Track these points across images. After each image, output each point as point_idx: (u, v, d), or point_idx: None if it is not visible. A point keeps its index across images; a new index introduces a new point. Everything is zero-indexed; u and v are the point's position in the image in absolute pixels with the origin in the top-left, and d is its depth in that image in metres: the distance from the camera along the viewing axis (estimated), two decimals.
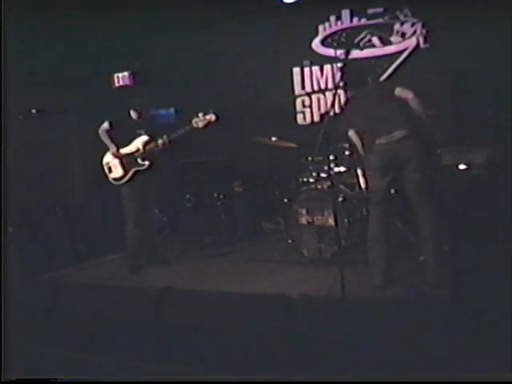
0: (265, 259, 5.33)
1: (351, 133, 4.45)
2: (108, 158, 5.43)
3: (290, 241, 5.21)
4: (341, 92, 5.80)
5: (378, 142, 4.20)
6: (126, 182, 5.36)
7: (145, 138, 5.34)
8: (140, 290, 4.19)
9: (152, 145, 5.30)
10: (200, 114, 5.14)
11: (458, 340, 2.76)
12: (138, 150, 5.35)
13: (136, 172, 5.33)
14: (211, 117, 5.12)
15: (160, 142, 5.25)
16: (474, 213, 4.44)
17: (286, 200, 5.32)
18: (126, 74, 7.16)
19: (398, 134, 4.12)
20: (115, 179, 5.40)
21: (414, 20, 5.96)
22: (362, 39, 6.23)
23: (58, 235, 5.93)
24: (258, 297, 3.71)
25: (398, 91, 4.19)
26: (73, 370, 3.32)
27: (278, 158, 5.87)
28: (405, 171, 4.13)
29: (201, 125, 5.13)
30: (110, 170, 5.43)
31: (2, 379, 3.06)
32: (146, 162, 5.32)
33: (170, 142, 5.24)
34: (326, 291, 3.88)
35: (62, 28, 6.40)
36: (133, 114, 5.42)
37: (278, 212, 5.76)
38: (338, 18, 6.33)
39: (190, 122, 5.17)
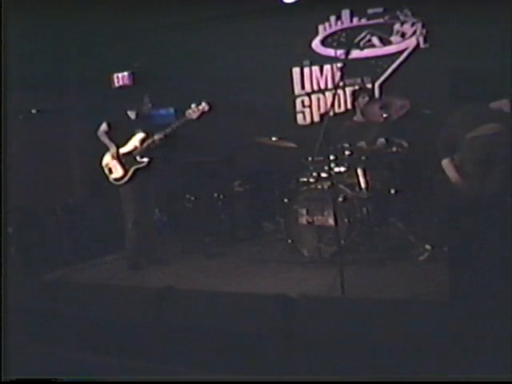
0: (265, 259, 5.33)
1: None
2: (107, 159, 5.43)
3: (289, 241, 5.21)
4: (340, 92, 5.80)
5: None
6: (127, 182, 5.36)
7: (141, 135, 5.35)
8: (140, 289, 4.19)
9: (149, 141, 5.30)
10: (193, 105, 5.15)
11: (458, 340, 2.76)
12: (136, 148, 5.34)
13: (136, 171, 5.33)
14: (204, 106, 5.13)
15: (156, 137, 5.25)
16: None
17: (286, 200, 5.32)
18: (125, 74, 7.15)
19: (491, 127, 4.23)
20: (116, 179, 5.40)
21: (414, 20, 5.95)
22: (361, 39, 6.22)
23: (58, 235, 5.93)
24: (258, 297, 3.71)
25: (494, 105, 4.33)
26: (73, 370, 3.31)
27: (278, 157, 5.87)
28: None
29: (194, 116, 5.14)
30: (110, 170, 5.42)
31: (2, 379, 3.06)
32: (145, 159, 5.32)
33: (165, 136, 5.25)
34: (325, 291, 3.88)
35: (61, 28, 6.40)
36: (131, 114, 5.42)
37: (278, 212, 5.75)
38: (338, 17, 6.31)
39: (184, 114, 5.19)
